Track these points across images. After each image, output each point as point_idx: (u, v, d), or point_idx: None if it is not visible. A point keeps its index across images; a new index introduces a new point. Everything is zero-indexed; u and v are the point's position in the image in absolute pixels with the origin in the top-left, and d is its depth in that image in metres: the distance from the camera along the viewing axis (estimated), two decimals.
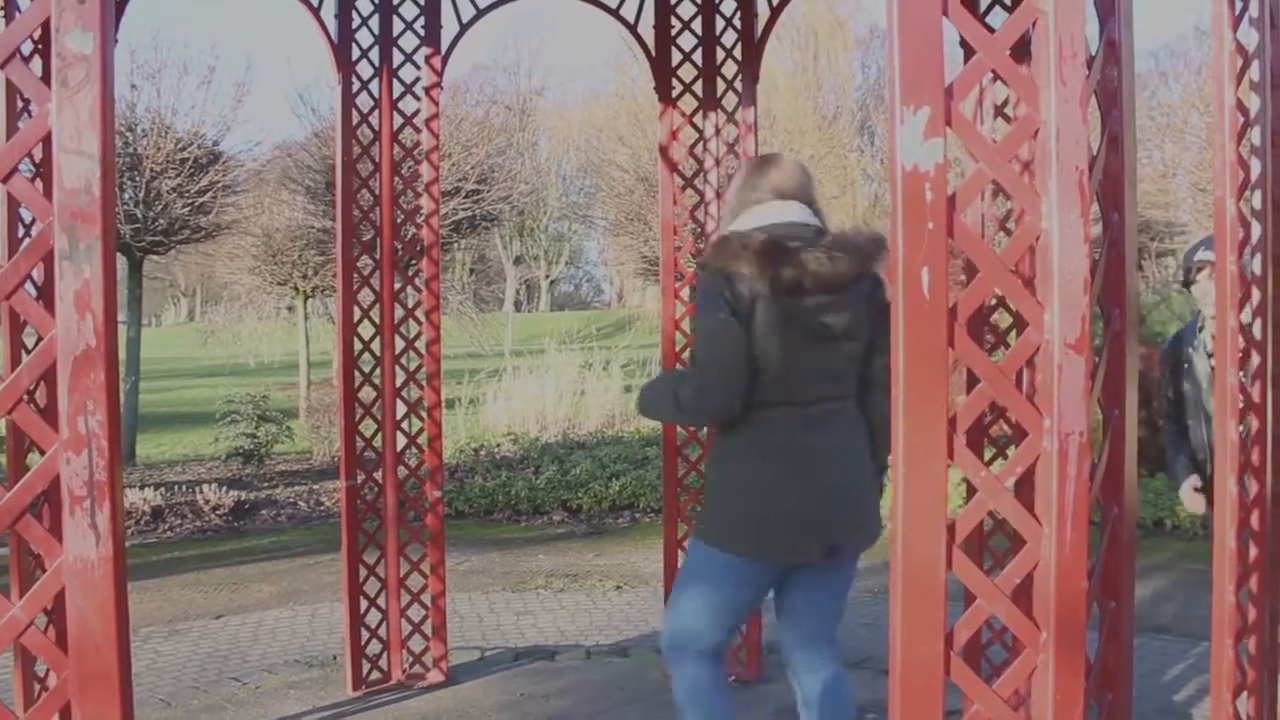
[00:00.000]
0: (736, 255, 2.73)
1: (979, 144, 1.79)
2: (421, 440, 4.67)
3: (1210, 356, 3.79)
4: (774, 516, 2.83)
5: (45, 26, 1.74)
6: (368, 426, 4.59)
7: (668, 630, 3.01)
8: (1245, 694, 2.77)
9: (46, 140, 1.76)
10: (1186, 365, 3.96)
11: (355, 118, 4.53)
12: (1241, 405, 2.75)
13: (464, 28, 4.60)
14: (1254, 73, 2.76)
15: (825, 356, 2.82)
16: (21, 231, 3.53)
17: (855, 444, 2.91)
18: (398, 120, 4.58)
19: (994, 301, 3.80)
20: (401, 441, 4.62)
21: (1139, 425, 2.14)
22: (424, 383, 4.66)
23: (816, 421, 2.83)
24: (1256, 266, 2.80)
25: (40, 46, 3.25)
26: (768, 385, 2.78)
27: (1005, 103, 3.81)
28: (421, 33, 4.56)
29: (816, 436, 2.83)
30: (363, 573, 4.54)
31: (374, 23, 4.53)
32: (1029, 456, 1.80)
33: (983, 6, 3.92)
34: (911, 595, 1.74)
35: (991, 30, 1.84)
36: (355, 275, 4.56)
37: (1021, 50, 1.87)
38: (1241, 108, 2.76)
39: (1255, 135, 2.79)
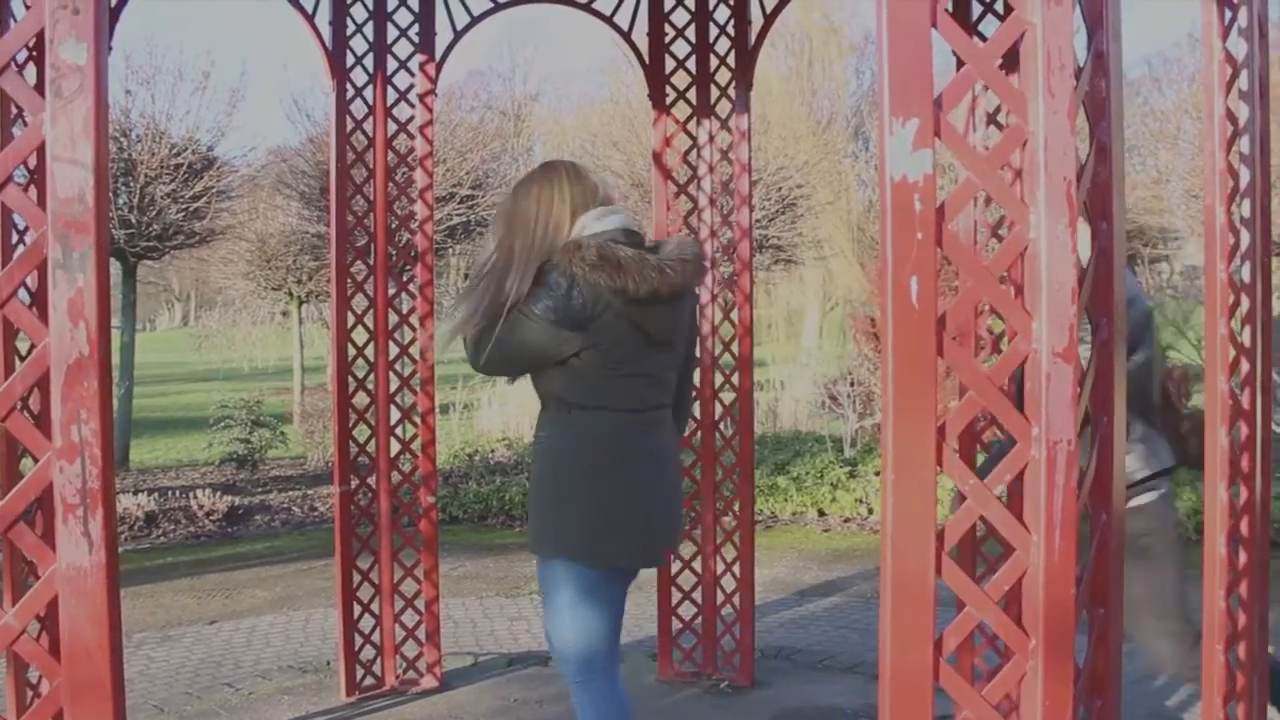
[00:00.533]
0: (597, 266, 2.70)
1: (968, 154, 1.80)
2: (415, 446, 4.67)
3: None
4: (627, 521, 2.81)
5: (40, 36, 1.75)
6: (361, 432, 4.59)
7: (561, 659, 2.92)
8: (1236, 700, 2.79)
9: (40, 149, 1.76)
10: None
11: (350, 124, 4.54)
12: (1231, 412, 2.77)
13: (458, 35, 4.60)
14: (1243, 82, 2.78)
15: (661, 364, 2.86)
16: (15, 239, 3.54)
17: (676, 449, 3.03)
18: (392, 127, 4.59)
19: (986, 308, 3.82)
20: (395, 447, 4.62)
21: None
22: (418, 388, 4.67)
23: (652, 426, 2.87)
24: (1246, 274, 2.82)
25: (35, 55, 3.26)
26: (615, 391, 2.80)
27: (997, 110, 3.83)
28: (415, 40, 4.57)
29: (653, 441, 2.88)
30: (356, 578, 4.54)
31: (368, 30, 4.54)
32: (1017, 464, 1.81)
33: (975, 15, 3.94)
34: (901, 601, 1.75)
35: (984, 39, 1.85)
36: (349, 281, 4.56)
37: (1011, 60, 1.88)
38: (1231, 116, 2.78)
39: (1244, 144, 2.81)
